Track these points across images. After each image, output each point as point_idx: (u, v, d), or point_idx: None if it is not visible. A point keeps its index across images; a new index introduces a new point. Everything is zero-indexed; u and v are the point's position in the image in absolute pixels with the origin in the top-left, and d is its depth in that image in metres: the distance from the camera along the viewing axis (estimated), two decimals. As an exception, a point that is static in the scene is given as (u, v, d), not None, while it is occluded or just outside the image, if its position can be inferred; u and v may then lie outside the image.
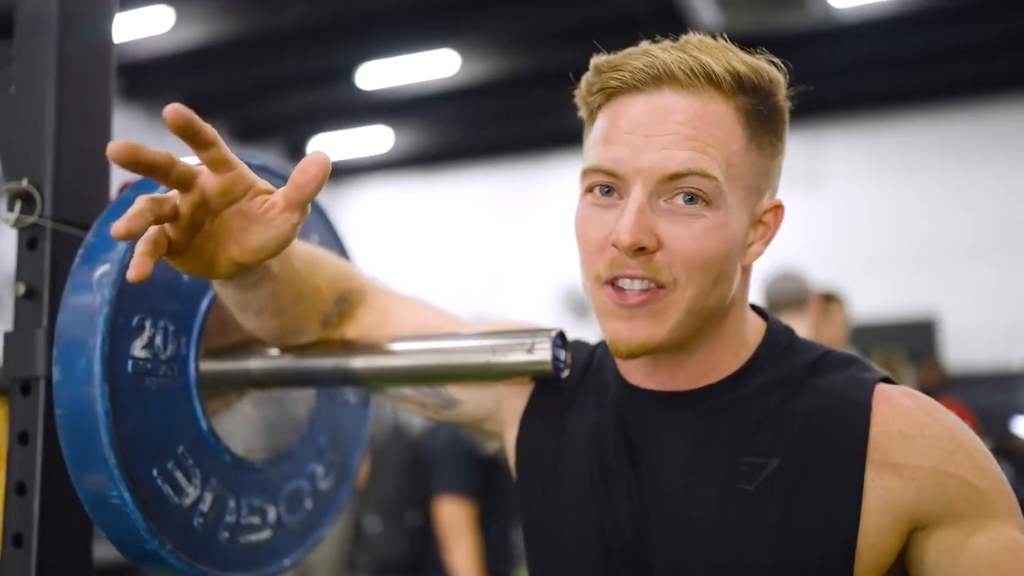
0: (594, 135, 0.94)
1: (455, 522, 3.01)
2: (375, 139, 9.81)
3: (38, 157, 1.08)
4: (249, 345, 1.09)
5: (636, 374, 1.00)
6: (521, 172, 10.53)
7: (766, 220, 0.96)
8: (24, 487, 1.04)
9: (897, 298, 8.77)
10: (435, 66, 8.02)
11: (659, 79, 0.89)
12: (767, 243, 0.96)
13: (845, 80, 8.09)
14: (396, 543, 3.57)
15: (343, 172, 10.60)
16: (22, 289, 1.07)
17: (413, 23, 7.38)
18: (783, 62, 0.94)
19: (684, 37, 0.93)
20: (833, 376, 0.94)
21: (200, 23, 7.26)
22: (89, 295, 0.95)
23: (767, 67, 0.92)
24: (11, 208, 1.07)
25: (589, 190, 0.92)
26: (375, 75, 8.17)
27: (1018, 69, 8.59)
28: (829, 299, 3.40)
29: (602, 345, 1.08)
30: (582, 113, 0.98)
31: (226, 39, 7.51)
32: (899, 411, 0.90)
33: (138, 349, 0.97)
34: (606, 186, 0.91)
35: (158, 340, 0.99)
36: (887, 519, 0.87)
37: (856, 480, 0.88)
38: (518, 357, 0.94)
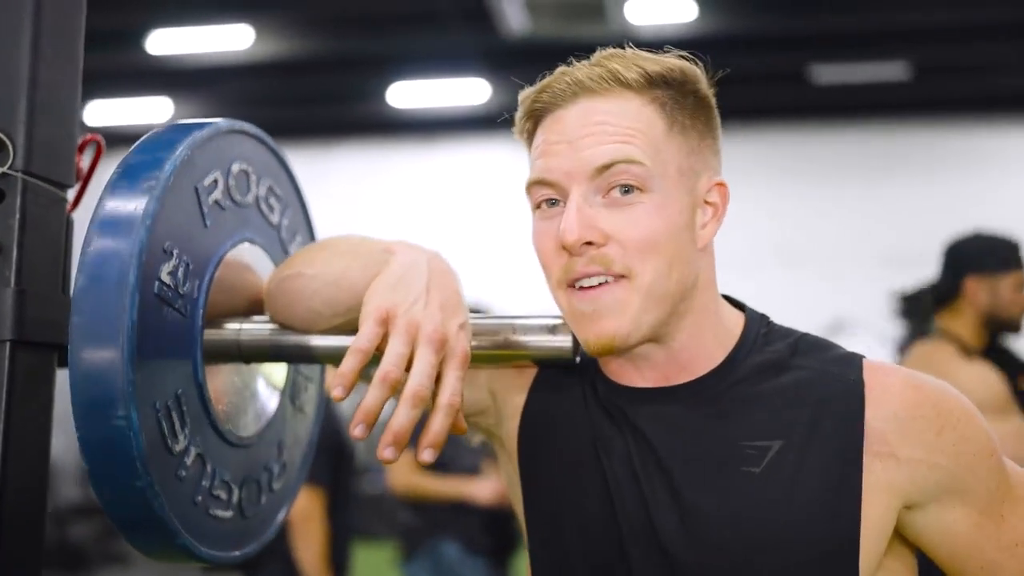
0: (531, 157, 1.01)
1: (305, 511, 2.91)
2: (153, 110, 9.27)
3: (10, 103, 1.00)
4: (241, 317, 1.06)
5: (627, 375, 1.01)
6: (307, 158, 10.28)
7: (711, 200, 1.00)
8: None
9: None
10: (228, 39, 7.71)
11: (575, 92, 0.96)
12: (719, 221, 1.01)
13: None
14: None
15: (117, 141, 9.90)
16: (-12, 245, 0.98)
17: (211, -8, 7.07)
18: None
19: (600, 52, 1.00)
20: (816, 355, 0.99)
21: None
22: (131, 202, 0.91)
23: (677, 63, 0.99)
24: (-23, 156, 0.98)
25: (537, 206, 0.99)
26: (164, 42, 7.74)
27: (799, 98, 9.43)
28: None
29: None
30: (525, 146, 1.03)
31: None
32: (891, 392, 0.96)
33: (164, 273, 0.93)
34: (550, 199, 0.97)
35: (180, 272, 0.96)
36: (885, 496, 0.93)
37: (856, 460, 0.93)
38: (539, 337, 0.97)
